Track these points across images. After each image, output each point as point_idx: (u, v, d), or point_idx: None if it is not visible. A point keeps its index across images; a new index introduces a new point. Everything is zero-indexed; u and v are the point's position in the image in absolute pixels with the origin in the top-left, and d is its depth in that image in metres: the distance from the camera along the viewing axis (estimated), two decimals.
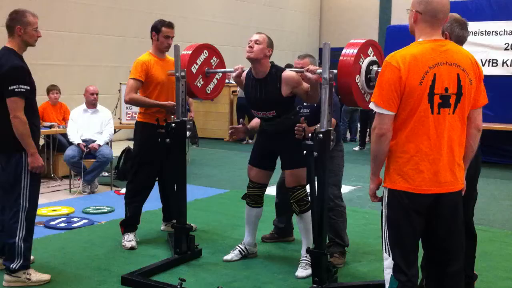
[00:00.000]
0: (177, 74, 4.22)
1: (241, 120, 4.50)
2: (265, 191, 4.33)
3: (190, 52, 4.33)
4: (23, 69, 3.65)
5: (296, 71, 4.00)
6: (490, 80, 7.66)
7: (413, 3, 2.66)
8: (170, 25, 4.68)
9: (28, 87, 3.62)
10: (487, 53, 9.27)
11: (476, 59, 2.70)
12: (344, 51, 3.40)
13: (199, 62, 4.41)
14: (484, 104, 2.71)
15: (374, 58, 3.46)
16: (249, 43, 3.99)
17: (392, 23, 14.99)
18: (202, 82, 4.45)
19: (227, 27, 15.03)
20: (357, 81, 3.37)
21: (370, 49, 3.47)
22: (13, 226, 3.68)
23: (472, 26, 9.30)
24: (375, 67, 3.40)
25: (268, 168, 4.30)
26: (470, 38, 9.96)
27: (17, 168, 3.66)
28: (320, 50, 21.10)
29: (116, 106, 8.13)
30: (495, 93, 7.69)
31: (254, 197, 4.30)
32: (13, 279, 3.72)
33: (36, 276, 3.78)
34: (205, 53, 4.47)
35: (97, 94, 7.02)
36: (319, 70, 3.61)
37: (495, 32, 9.29)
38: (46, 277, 3.83)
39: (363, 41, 3.45)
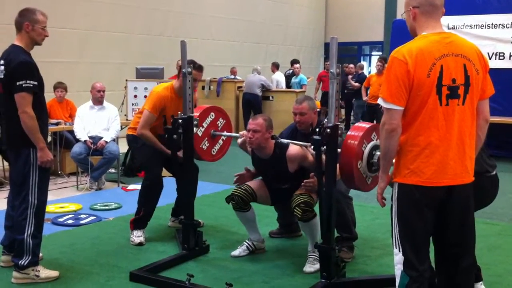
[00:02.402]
0: (184, 70, 4.22)
1: (246, 167, 4.40)
2: (250, 201, 4.23)
3: (197, 114, 4.35)
4: (31, 65, 3.65)
5: (301, 145, 4.03)
6: (497, 73, 7.61)
7: (406, 4, 2.67)
8: (199, 68, 4.64)
9: (36, 83, 3.63)
10: (494, 46, 9.21)
11: (483, 52, 2.69)
12: (349, 132, 3.40)
13: (205, 125, 4.45)
14: (491, 94, 2.69)
15: (377, 143, 3.36)
16: (248, 132, 4.01)
17: (397, 17, 14.91)
18: (207, 145, 4.50)
19: (232, 23, 15.00)
20: (359, 166, 3.35)
21: (374, 133, 3.44)
22: (21, 222, 3.69)
23: (479, 19, 9.30)
24: (377, 152, 3.33)
25: (272, 194, 4.28)
26: (477, 31, 9.91)
27: (26, 164, 3.67)
28: (326, 44, 21.05)
29: (123, 103, 8.13)
30: (502, 86, 7.64)
31: (238, 199, 4.18)
32: (21, 276, 3.73)
33: (45, 272, 3.79)
34: (212, 115, 4.51)
35: (103, 91, 7.03)
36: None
37: (502, 25, 9.23)
38: (55, 273, 3.84)
39: (368, 125, 3.44)
